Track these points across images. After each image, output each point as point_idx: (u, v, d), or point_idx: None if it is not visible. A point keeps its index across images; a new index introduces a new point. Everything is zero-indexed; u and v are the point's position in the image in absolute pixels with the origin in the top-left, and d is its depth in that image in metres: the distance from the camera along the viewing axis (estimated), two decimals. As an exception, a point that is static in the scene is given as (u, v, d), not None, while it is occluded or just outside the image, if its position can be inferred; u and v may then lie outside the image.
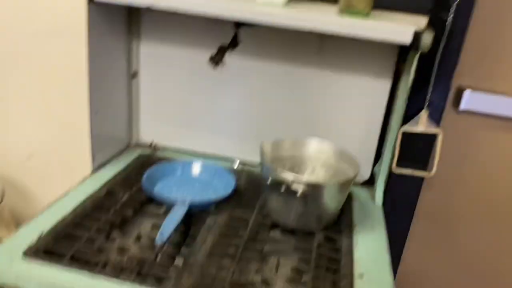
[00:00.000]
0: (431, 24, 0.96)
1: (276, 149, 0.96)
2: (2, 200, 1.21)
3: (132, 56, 1.08)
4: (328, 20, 0.78)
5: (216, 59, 1.05)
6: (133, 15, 1.04)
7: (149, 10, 1.04)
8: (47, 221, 0.79)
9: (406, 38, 0.76)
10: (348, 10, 0.82)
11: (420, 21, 0.96)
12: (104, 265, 0.72)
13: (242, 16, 0.82)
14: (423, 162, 1.09)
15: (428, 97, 1.04)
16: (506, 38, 1.04)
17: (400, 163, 1.03)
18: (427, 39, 0.76)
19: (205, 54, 1.05)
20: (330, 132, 1.06)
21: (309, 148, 0.99)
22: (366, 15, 0.82)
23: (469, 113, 1.11)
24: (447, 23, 0.97)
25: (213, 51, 1.05)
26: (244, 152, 1.11)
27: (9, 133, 1.33)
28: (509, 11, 1.02)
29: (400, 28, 0.77)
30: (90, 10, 0.89)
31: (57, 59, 1.21)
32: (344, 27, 0.78)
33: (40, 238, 0.75)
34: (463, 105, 1.09)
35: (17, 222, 1.32)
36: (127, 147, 1.15)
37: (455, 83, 1.07)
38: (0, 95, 1.29)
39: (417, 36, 0.76)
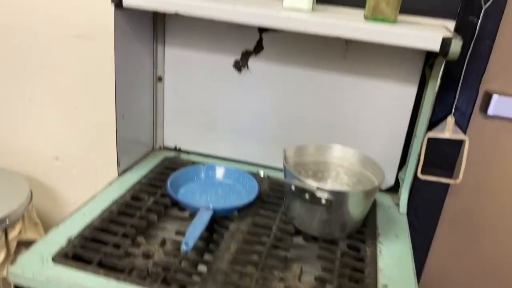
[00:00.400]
0: (459, 28, 0.95)
1: (299, 154, 0.96)
2: (30, 201, 1.24)
3: (157, 60, 1.09)
4: (356, 26, 0.77)
5: (241, 64, 1.05)
6: (158, 20, 1.05)
7: (174, 16, 1.05)
8: (75, 226, 0.81)
9: (434, 45, 0.75)
10: (375, 16, 0.81)
11: (448, 25, 0.94)
12: (130, 271, 0.73)
13: (269, 23, 0.81)
14: (449, 168, 1.07)
15: (454, 103, 1.02)
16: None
17: (425, 169, 1.02)
18: (456, 46, 0.74)
19: (230, 59, 1.06)
20: (355, 137, 1.05)
21: (333, 153, 0.98)
22: (393, 21, 0.81)
23: (497, 118, 1.08)
24: (476, 27, 0.95)
25: (237, 56, 1.05)
26: (268, 158, 1.12)
27: (37, 135, 1.36)
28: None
29: (429, 34, 0.75)
30: (117, 15, 0.91)
31: (85, 62, 1.23)
32: (371, 33, 0.77)
33: (68, 243, 0.77)
34: (491, 110, 1.06)
35: (44, 222, 1.36)
36: (152, 150, 1.17)
37: (482, 88, 1.05)
38: (29, 96, 1.32)
39: (445, 43, 0.75)
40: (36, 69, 1.28)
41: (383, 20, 0.81)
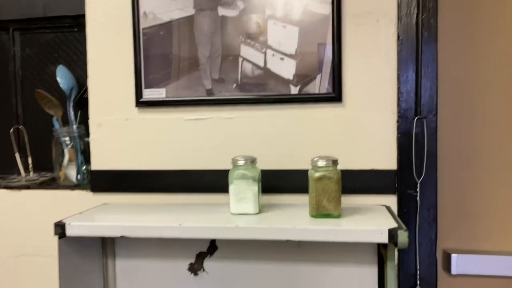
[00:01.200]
0: (401, 202, 0.99)
1: None
2: None
3: (108, 274, 1.04)
4: (302, 229, 0.78)
5: (196, 267, 1.02)
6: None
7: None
8: None
9: (382, 238, 0.76)
10: (319, 213, 0.83)
11: (390, 202, 0.98)
12: None
13: (217, 235, 0.81)
14: None
15: (417, 273, 1.01)
16: (478, 202, 1.07)
17: None
18: (403, 237, 0.75)
19: (184, 263, 1.02)
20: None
21: None
22: (337, 216, 0.83)
23: (462, 276, 1.07)
24: (416, 199, 0.99)
25: (191, 259, 1.02)
26: None
27: None
28: (471, 185, 1.07)
29: (374, 228, 0.77)
30: (61, 242, 0.88)
31: (32, 280, 1.15)
32: (318, 234, 0.77)
33: None
34: (454, 270, 1.07)
35: None
36: None
37: (440, 247, 1.06)
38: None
39: (392, 234, 0.76)
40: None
41: (328, 216, 0.83)
